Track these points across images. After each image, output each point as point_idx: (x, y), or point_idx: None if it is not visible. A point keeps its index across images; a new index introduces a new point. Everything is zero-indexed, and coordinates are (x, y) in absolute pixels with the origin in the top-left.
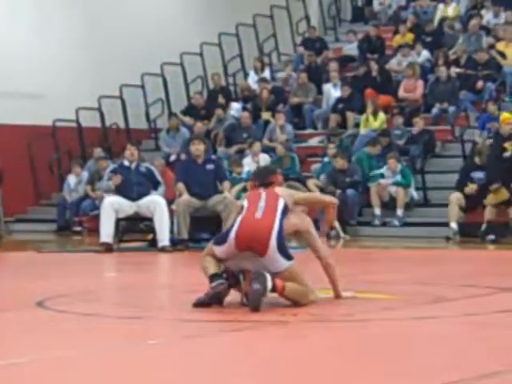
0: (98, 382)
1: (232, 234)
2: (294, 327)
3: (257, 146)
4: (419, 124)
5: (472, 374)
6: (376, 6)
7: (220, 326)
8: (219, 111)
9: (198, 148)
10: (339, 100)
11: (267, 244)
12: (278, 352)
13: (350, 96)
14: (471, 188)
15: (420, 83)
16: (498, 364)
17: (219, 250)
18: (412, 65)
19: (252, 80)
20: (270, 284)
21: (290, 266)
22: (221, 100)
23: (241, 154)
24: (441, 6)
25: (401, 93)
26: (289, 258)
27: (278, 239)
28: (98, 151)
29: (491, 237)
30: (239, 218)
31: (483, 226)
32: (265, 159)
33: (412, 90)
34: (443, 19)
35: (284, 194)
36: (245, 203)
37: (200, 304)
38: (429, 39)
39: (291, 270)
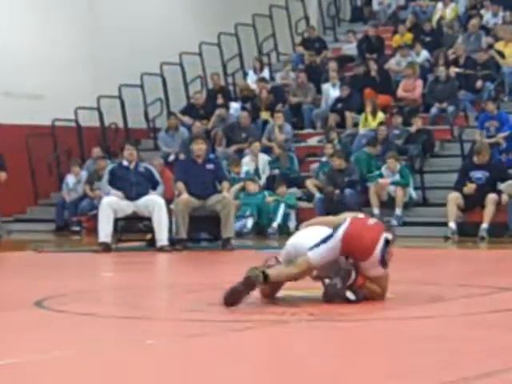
0: (96, 381)
1: (340, 231)
2: (294, 327)
3: (256, 145)
4: (418, 123)
5: (471, 374)
6: (375, 5)
7: (220, 325)
8: (221, 110)
9: (200, 147)
10: (338, 100)
11: (372, 250)
12: (278, 352)
13: (348, 96)
14: (470, 188)
15: (419, 83)
16: (497, 363)
17: (319, 254)
18: (411, 64)
19: (251, 80)
20: (352, 278)
21: (383, 273)
22: (220, 100)
23: (240, 153)
24: (440, 5)
25: (400, 92)
26: (386, 265)
27: (382, 251)
28: (97, 151)
29: None
30: (349, 219)
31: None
32: (264, 159)
33: (411, 89)
34: (442, 19)
35: None
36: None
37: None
38: (428, 39)
39: (383, 275)
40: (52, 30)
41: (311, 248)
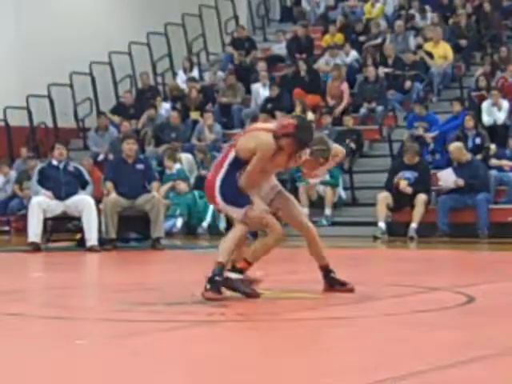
0: (21, 382)
1: None
2: (221, 327)
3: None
4: (349, 123)
5: (395, 374)
6: (305, 5)
7: (148, 326)
8: (151, 111)
9: (131, 148)
10: (268, 100)
11: (215, 199)
12: (204, 352)
13: (278, 96)
14: (403, 184)
15: (345, 86)
16: (421, 363)
17: None
18: (338, 67)
19: (181, 79)
20: (234, 275)
21: (246, 212)
22: (152, 99)
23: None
24: (367, 5)
25: (328, 99)
26: (242, 205)
27: (221, 192)
28: (24, 151)
29: None
30: None
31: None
32: (188, 159)
33: (338, 94)
34: (371, 19)
35: (244, 143)
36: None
37: None
38: (358, 39)
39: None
40: None
41: None
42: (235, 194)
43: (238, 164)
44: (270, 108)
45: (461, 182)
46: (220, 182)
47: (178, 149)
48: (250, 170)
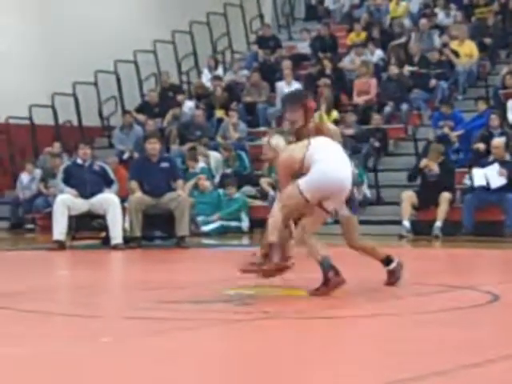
0: (52, 380)
1: None
2: (247, 325)
3: (202, 147)
4: (377, 121)
5: (419, 373)
6: (330, 4)
7: (173, 324)
8: (176, 110)
9: (154, 147)
10: None
11: None
12: (229, 351)
13: None
14: (432, 164)
15: (373, 82)
16: (445, 362)
17: None
18: (365, 63)
19: (206, 78)
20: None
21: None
22: (179, 98)
23: (194, 151)
24: (392, 3)
25: (356, 98)
26: None
27: None
28: (57, 146)
29: None
30: None
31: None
32: (216, 158)
33: (366, 89)
34: (395, 17)
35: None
36: None
37: None
38: (382, 38)
39: None
40: (5, 26)
41: None
42: None
43: None
44: None
45: (504, 174)
46: None
47: (208, 144)
48: None
